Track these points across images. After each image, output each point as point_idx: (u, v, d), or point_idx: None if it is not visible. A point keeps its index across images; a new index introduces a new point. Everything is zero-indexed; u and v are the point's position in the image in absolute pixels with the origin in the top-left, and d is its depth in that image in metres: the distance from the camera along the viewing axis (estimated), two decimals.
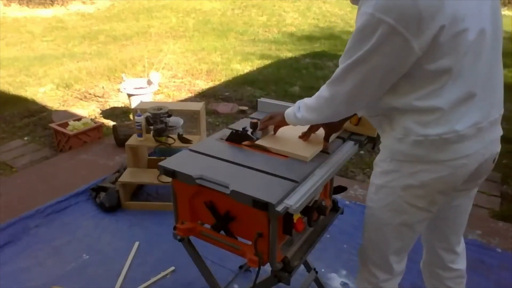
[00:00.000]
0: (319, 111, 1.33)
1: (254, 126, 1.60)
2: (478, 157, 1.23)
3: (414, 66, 1.12)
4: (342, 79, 1.20)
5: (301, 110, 1.39)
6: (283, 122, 1.51)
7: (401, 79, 1.16)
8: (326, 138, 1.56)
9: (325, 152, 1.52)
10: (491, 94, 1.22)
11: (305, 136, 1.57)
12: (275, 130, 1.63)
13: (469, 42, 1.11)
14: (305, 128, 1.56)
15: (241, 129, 1.62)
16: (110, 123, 4.32)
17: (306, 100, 1.38)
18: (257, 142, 1.56)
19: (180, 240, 1.55)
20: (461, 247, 1.58)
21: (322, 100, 1.28)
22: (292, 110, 1.43)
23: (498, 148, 1.32)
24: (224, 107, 4.73)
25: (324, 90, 1.27)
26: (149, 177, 2.88)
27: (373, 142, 1.67)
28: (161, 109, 2.70)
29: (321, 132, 1.57)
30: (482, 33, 1.13)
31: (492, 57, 1.20)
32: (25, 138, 4.06)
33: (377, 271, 1.45)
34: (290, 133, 1.60)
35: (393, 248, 1.39)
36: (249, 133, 1.59)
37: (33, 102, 4.97)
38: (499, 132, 1.30)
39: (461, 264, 1.59)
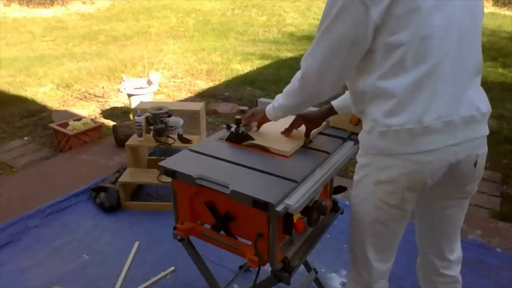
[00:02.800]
0: (293, 94, 1.37)
1: (237, 122, 1.62)
2: (448, 155, 1.19)
3: (374, 41, 1.14)
4: (312, 53, 1.24)
5: (277, 99, 1.44)
6: (264, 119, 1.55)
7: (366, 56, 1.18)
8: (307, 134, 1.59)
9: (304, 147, 1.56)
10: (462, 89, 1.19)
11: (286, 132, 1.61)
12: (258, 127, 1.66)
13: (435, 26, 1.11)
14: (283, 124, 1.60)
15: (225, 126, 1.66)
16: (110, 123, 4.32)
17: (284, 89, 1.42)
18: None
19: (180, 240, 1.55)
20: (455, 256, 1.53)
21: (296, 82, 1.32)
22: (271, 104, 1.48)
23: (480, 150, 1.26)
24: (224, 107, 4.73)
25: (297, 72, 1.31)
26: (149, 177, 2.88)
27: None
28: (161, 109, 2.70)
29: (303, 128, 1.61)
30: (452, 24, 1.13)
31: (467, 52, 1.19)
32: (25, 138, 4.06)
33: (360, 270, 1.45)
34: (274, 129, 1.63)
35: (370, 245, 1.37)
36: (232, 129, 1.61)
37: (33, 102, 4.97)
38: (482, 132, 1.25)
39: (454, 271, 1.55)
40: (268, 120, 1.55)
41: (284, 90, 1.41)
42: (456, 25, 1.14)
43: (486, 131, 1.27)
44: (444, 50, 1.14)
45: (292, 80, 1.35)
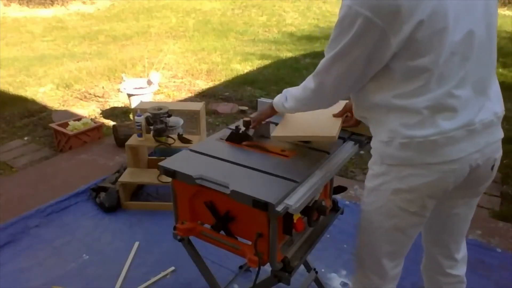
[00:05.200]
0: (306, 102, 1.37)
1: (247, 124, 1.59)
2: (470, 161, 1.19)
3: (393, 60, 1.12)
4: (326, 71, 1.23)
5: (288, 100, 1.43)
6: (273, 112, 1.54)
7: (383, 72, 1.16)
8: (341, 114, 1.59)
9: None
10: (482, 97, 1.19)
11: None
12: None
13: (455, 43, 1.09)
14: (313, 112, 1.52)
15: (233, 128, 1.62)
16: (110, 123, 4.32)
17: (292, 90, 1.42)
18: (274, 133, 1.56)
19: (180, 240, 1.55)
20: (461, 255, 1.54)
21: (309, 91, 1.32)
22: (280, 100, 1.47)
23: (497, 153, 1.28)
24: (224, 107, 4.73)
25: (310, 82, 1.31)
26: (149, 177, 2.88)
27: None
28: (161, 109, 2.70)
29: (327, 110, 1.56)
30: (471, 33, 1.12)
31: (485, 57, 1.18)
32: (25, 138, 4.06)
33: (370, 274, 1.43)
34: (301, 118, 1.58)
35: (385, 252, 1.37)
36: (241, 131, 1.60)
37: (33, 102, 4.97)
38: (498, 135, 1.26)
39: (460, 270, 1.56)
40: (276, 113, 1.55)
41: (295, 94, 1.40)
42: (474, 34, 1.13)
43: (501, 134, 1.27)
44: (466, 63, 1.13)
45: (303, 87, 1.34)
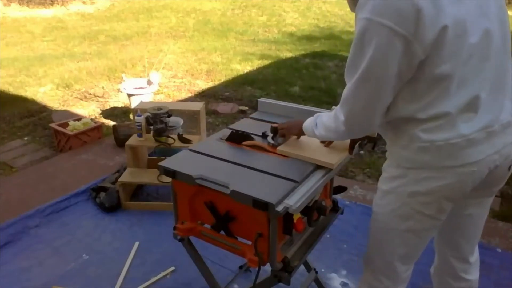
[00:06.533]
0: (338, 132, 1.28)
1: (274, 131, 1.56)
2: (489, 163, 1.17)
3: (418, 69, 1.08)
4: (354, 96, 1.15)
5: (319, 128, 1.36)
6: (302, 133, 1.48)
7: (405, 86, 1.12)
8: (352, 145, 1.48)
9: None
10: (501, 96, 1.17)
11: (327, 142, 1.52)
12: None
13: (472, 45, 1.07)
14: None
15: (260, 134, 1.61)
16: (110, 123, 4.32)
17: (324, 117, 1.34)
18: (279, 148, 1.52)
19: (180, 240, 1.55)
20: (475, 257, 1.52)
21: (339, 122, 1.23)
22: (310, 125, 1.40)
23: None
24: (224, 107, 4.73)
25: (339, 112, 1.22)
26: (149, 177, 2.88)
27: (373, 142, 1.67)
28: (161, 109, 2.70)
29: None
30: (487, 33, 1.10)
31: (501, 57, 1.17)
32: (25, 138, 4.06)
33: (381, 276, 1.42)
34: (309, 138, 1.54)
35: (398, 254, 1.36)
36: (269, 138, 1.57)
37: (33, 102, 4.97)
38: None
39: (473, 274, 1.52)
40: (303, 135, 1.48)
41: (326, 124, 1.31)
42: (490, 32, 1.11)
43: None
44: (484, 64, 1.12)
45: (334, 117, 1.26)
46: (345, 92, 1.17)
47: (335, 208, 1.74)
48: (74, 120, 3.89)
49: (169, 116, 2.73)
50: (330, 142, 1.52)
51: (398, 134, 1.22)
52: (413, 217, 1.26)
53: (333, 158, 1.44)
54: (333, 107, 1.36)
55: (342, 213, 1.76)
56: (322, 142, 1.52)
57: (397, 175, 1.25)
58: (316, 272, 1.91)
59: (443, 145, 1.13)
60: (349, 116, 1.19)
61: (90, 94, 5.28)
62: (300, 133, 1.48)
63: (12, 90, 5.36)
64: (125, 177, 2.86)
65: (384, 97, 1.12)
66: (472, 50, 1.08)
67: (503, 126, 1.18)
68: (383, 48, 1.03)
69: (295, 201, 1.22)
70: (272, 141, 1.56)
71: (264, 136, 1.61)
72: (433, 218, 1.26)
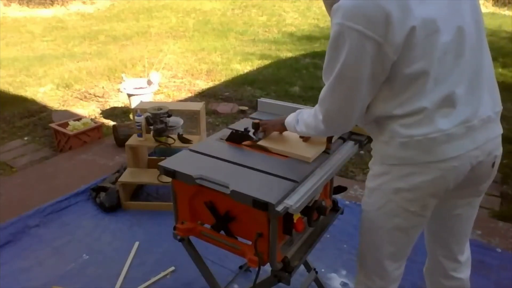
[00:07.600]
0: (317, 130, 1.34)
1: (256, 126, 1.60)
2: (470, 159, 1.19)
3: (392, 70, 1.12)
4: (329, 97, 1.21)
5: (300, 124, 1.41)
6: (284, 129, 1.54)
7: (382, 85, 1.16)
8: (329, 140, 1.55)
9: (325, 152, 1.53)
10: (478, 91, 1.19)
11: (305, 137, 1.57)
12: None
13: (445, 43, 1.10)
14: None
15: (242, 130, 1.62)
16: (110, 123, 4.32)
17: (304, 115, 1.40)
18: (259, 142, 1.57)
19: (180, 240, 1.55)
20: (465, 257, 1.54)
21: (318, 120, 1.29)
22: (292, 121, 1.46)
23: (497, 150, 1.27)
24: (224, 107, 4.73)
25: (318, 111, 1.28)
26: (149, 177, 2.88)
27: None
28: (161, 109, 2.70)
29: None
30: (461, 31, 1.12)
31: (476, 53, 1.18)
32: (25, 138, 4.06)
33: (374, 277, 1.43)
34: (291, 134, 1.59)
35: (387, 252, 1.37)
36: (251, 133, 1.60)
37: (33, 102, 4.97)
38: (497, 131, 1.25)
39: (464, 273, 1.55)
40: (286, 130, 1.55)
41: (307, 121, 1.36)
42: (464, 30, 1.13)
43: (500, 129, 1.27)
44: (459, 60, 1.14)
45: (314, 115, 1.30)
46: (322, 92, 1.23)
47: (335, 208, 1.74)
48: (74, 120, 3.89)
49: (169, 116, 2.73)
50: (308, 138, 1.57)
51: (380, 131, 1.25)
52: (399, 215, 1.27)
53: (309, 152, 1.48)
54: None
55: (342, 213, 1.76)
56: (301, 137, 1.57)
57: (382, 172, 1.28)
58: (316, 272, 1.91)
59: (422, 140, 1.15)
60: (326, 115, 1.25)
61: (90, 94, 5.28)
62: (283, 128, 1.54)
63: (12, 90, 5.36)
64: (125, 177, 2.86)
65: (360, 98, 1.17)
66: (446, 48, 1.11)
67: (483, 121, 1.19)
68: (355, 51, 1.08)
69: (295, 201, 1.22)
70: (253, 136, 1.60)
71: (245, 131, 1.63)
72: (418, 215, 1.27)
